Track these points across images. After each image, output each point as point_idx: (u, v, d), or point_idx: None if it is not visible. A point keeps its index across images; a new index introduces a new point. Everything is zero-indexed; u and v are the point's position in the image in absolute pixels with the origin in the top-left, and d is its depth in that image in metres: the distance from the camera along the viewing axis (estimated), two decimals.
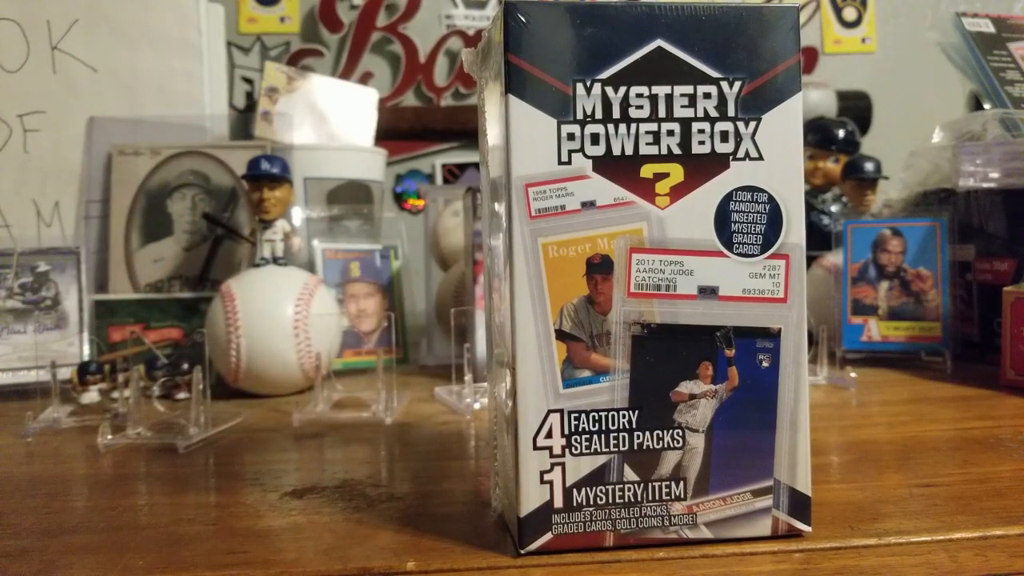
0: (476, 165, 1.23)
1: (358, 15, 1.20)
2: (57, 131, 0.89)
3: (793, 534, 0.35)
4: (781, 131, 0.34)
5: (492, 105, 0.36)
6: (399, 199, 1.24)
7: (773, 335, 0.34)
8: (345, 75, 1.19)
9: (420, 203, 1.22)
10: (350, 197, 0.94)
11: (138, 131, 0.90)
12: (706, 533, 0.35)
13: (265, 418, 0.64)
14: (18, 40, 0.89)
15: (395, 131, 1.17)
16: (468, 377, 0.64)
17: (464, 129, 1.22)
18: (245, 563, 0.35)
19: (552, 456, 0.34)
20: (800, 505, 0.35)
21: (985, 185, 0.79)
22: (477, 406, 0.64)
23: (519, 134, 0.33)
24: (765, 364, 0.34)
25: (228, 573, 0.34)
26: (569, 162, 0.33)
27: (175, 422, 0.58)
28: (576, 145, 0.33)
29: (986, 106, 0.86)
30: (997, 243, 0.80)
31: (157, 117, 0.91)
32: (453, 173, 1.24)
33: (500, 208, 0.36)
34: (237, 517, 0.41)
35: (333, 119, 1.02)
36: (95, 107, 0.90)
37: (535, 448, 0.33)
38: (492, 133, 0.36)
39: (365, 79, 1.19)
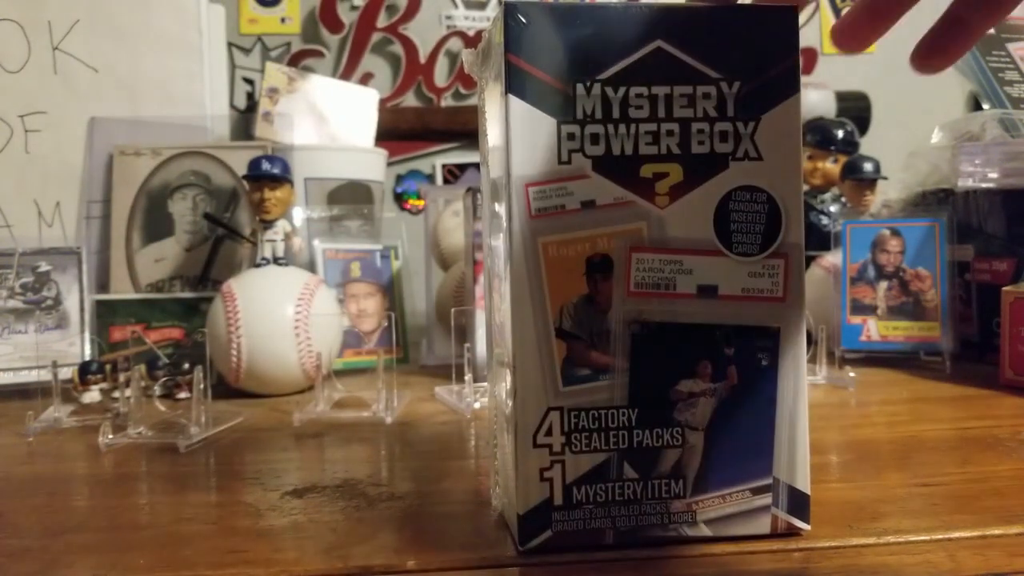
0: (476, 165, 1.23)
1: (358, 16, 1.20)
2: (58, 131, 0.89)
3: (792, 532, 0.36)
4: (780, 131, 0.34)
5: (492, 105, 0.36)
6: (399, 199, 1.25)
7: (772, 334, 0.34)
8: (346, 76, 1.19)
9: (420, 203, 1.22)
10: (350, 197, 0.94)
11: (139, 131, 0.90)
12: (705, 531, 0.35)
13: (266, 418, 0.64)
14: (19, 41, 0.89)
15: (395, 131, 1.18)
16: (468, 377, 0.65)
17: (464, 129, 1.22)
18: (246, 562, 0.35)
19: (552, 454, 0.34)
20: (799, 503, 0.35)
21: (984, 185, 0.79)
22: (477, 406, 0.64)
23: (519, 134, 0.33)
24: (764, 363, 0.34)
25: (229, 572, 0.34)
26: (569, 162, 0.33)
27: (176, 422, 0.58)
28: (576, 145, 0.33)
29: (985, 106, 0.86)
30: (996, 243, 0.80)
31: (158, 117, 0.91)
32: (453, 173, 1.24)
33: (500, 208, 0.36)
34: (238, 516, 0.41)
35: (334, 120, 1.02)
36: (96, 107, 0.90)
37: (535, 446, 0.33)
38: (492, 133, 0.36)
39: (365, 80, 1.19)
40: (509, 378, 0.35)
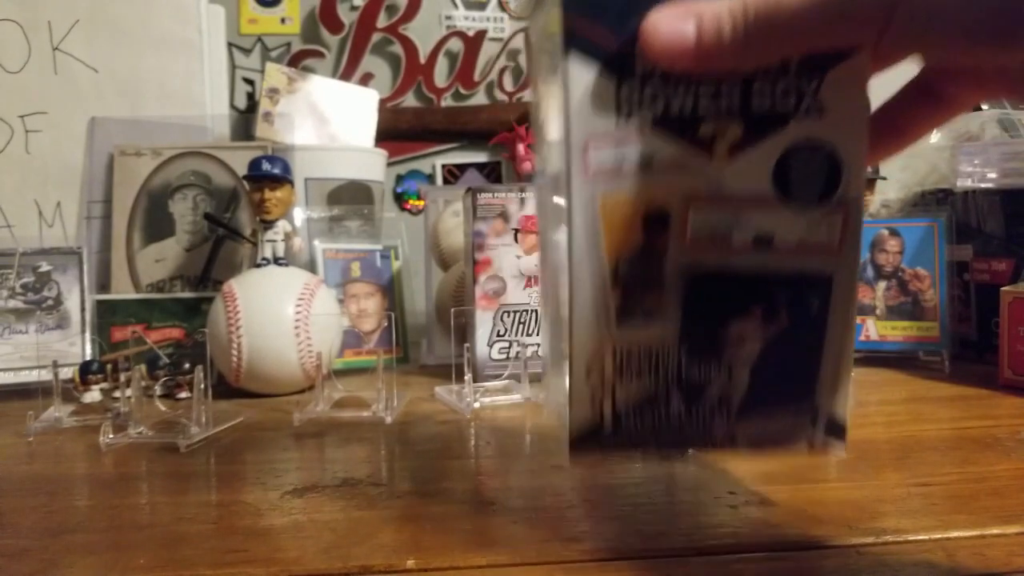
0: (476, 165, 1.24)
1: (358, 16, 1.20)
2: (59, 132, 0.90)
3: (828, 451, 0.35)
4: (846, 87, 0.33)
5: (543, 66, 0.35)
6: (399, 199, 1.25)
7: (824, 280, 0.34)
8: (346, 76, 1.19)
9: (420, 203, 1.22)
10: (351, 197, 0.94)
11: (139, 132, 0.90)
12: (745, 448, 0.35)
13: (266, 417, 0.64)
14: (19, 41, 0.89)
15: (395, 132, 1.18)
16: (468, 377, 0.65)
17: (464, 129, 1.22)
18: (246, 561, 0.35)
19: (604, 383, 0.34)
20: (837, 427, 0.35)
21: (983, 185, 0.79)
22: (477, 406, 0.64)
23: (578, 90, 0.32)
24: (815, 308, 0.34)
25: (229, 571, 0.34)
26: (628, 119, 0.33)
27: (176, 421, 0.58)
28: (635, 102, 0.33)
29: (984, 106, 0.86)
30: (995, 243, 0.80)
31: (158, 118, 0.92)
32: (453, 174, 1.25)
33: (563, 201, 0.35)
34: (238, 516, 0.41)
35: (334, 120, 1.02)
36: (96, 108, 0.90)
37: (588, 376, 0.34)
38: (551, 119, 0.36)
39: (366, 80, 1.19)
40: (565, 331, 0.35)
